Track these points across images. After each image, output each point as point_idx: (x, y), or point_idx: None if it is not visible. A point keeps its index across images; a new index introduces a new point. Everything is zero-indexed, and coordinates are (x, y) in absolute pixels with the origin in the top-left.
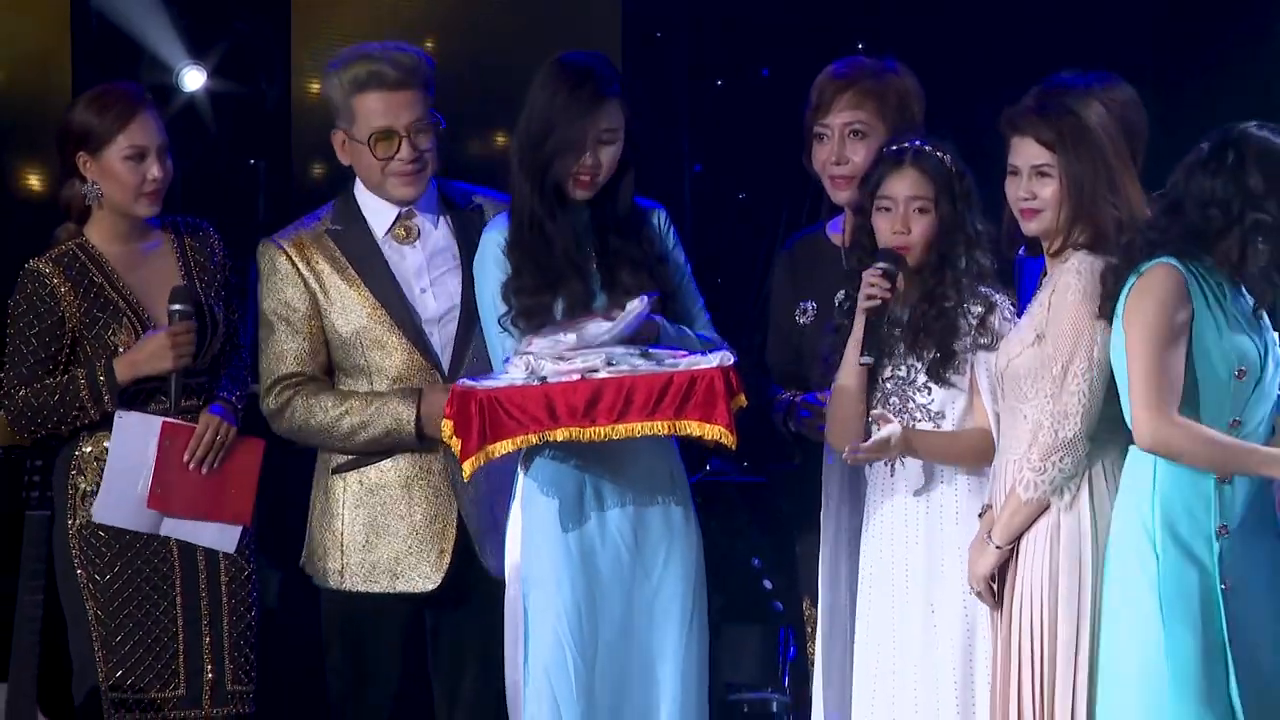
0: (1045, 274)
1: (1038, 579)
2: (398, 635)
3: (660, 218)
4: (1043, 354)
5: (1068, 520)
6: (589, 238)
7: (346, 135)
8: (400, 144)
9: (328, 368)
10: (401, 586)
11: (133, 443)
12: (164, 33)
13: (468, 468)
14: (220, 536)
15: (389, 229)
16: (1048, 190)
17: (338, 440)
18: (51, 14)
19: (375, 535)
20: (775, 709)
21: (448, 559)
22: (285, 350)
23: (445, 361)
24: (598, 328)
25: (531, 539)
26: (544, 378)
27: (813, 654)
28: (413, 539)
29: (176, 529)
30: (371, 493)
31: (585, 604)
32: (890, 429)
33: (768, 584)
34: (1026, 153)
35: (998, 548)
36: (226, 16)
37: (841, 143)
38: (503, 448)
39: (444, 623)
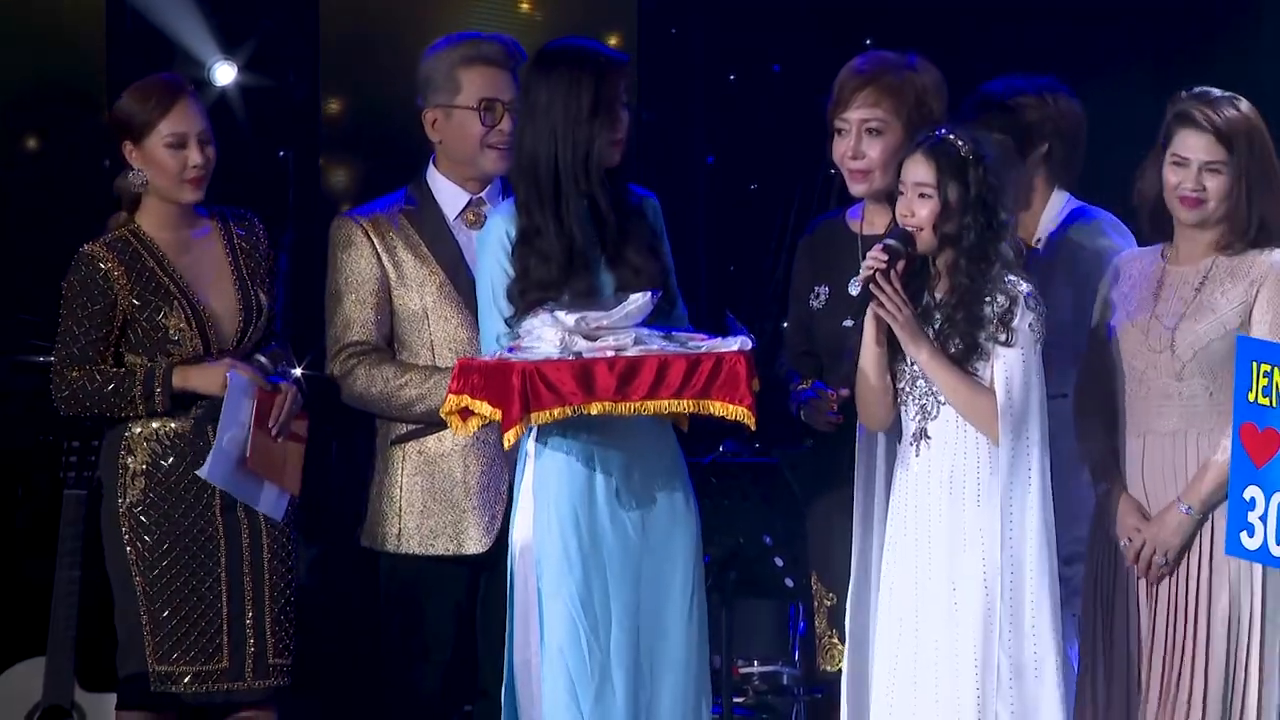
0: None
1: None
2: (451, 598)
3: (655, 206)
4: None
5: None
6: (598, 225)
7: (443, 109)
8: (503, 116)
9: (391, 340)
10: (455, 549)
11: (234, 402)
12: (196, 29)
13: (510, 436)
14: (275, 503)
15: (460, 212)
16: (1215, 184)
17: (396, 409)
18: (87, 11)
19: (433, 501)
20: (786, 681)
21: (499, 524)
22: (353, 319)
23: None
24: (599, 313)
25: (542, 520)
26: (579, 353)
27: (819, 627)
28: (468, 503)
29: (246, 492)
30: (431, 462)
31: (597, 583)
32: (922, 340)
33: (778, 561)
34: (1196, 146)
35: (1199, 518)
36: (256, 13)
37: (859, 138)
38: (541, 418)
39: (493, 586)
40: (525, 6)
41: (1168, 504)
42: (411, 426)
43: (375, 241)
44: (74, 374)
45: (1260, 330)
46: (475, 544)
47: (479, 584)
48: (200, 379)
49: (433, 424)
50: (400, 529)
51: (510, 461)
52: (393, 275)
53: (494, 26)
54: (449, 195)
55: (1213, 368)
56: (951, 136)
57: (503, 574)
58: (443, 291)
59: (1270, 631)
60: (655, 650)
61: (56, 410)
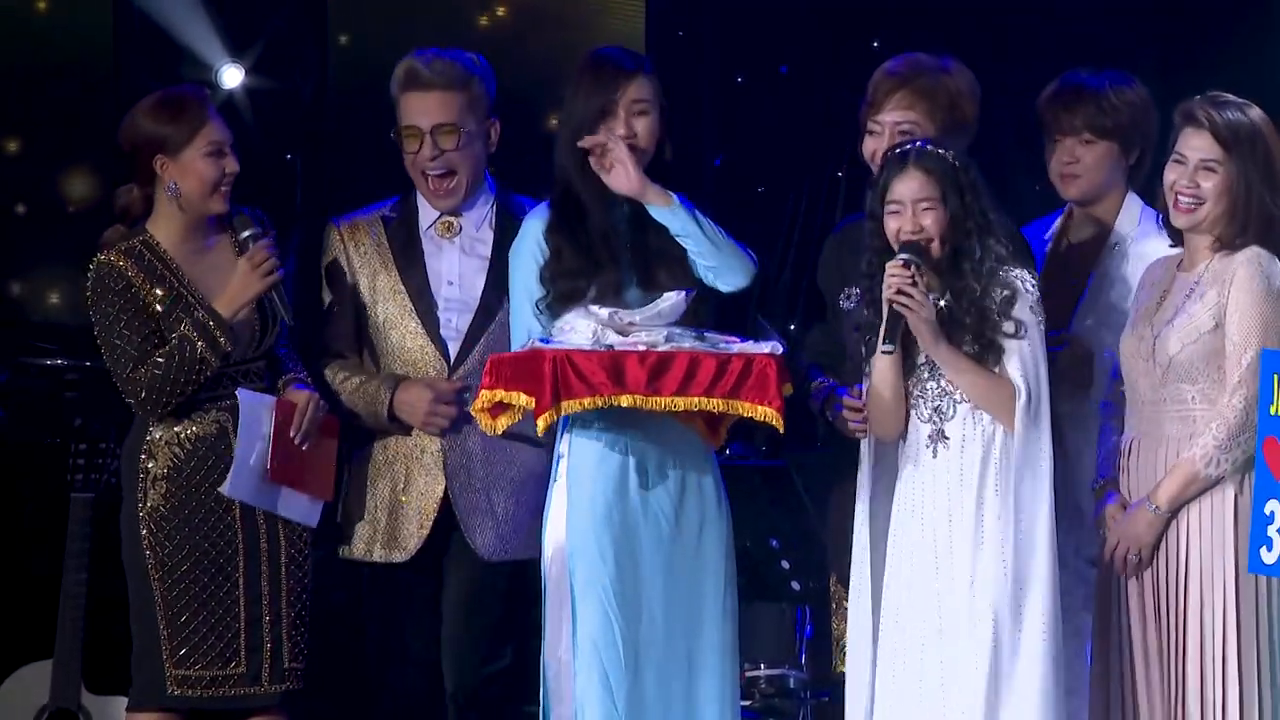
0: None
1: (1219, 558)
2: (402, 602)
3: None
4: (1218, 341)
5: (1241, 503)
6: (627, 231)
7: (396, 132)
8: (422, 143)
9: (354, 344)
10: (385, 556)
11: (251, 418)
12: (204, 32)
13: (541, 423)
14: (307, 511)
15: (433, 222)
16: (1210, 184)
17: (345, 414)
18: (95, 15)
19: (376, 508)
20: (792, 685)
21: (427, 530)
22: (323, 324)
23: (453, 351)
24: (631, 310)
25: (576, 517)
26: (610, 346)
27: (837, 630)
28: (400, 512)
29: (280, 503)
30: (378, 469)
31: (630, 578)
32: (940, 336)
33: (785, 564)
34: (1195, 144)
35: (1166, 516)
36: (264, 15)
37: (892, 140)
38: (572, 406)
39: (451, 591)
40: (531, 9)
41: (1138, 501)
42: (370, 431)
43: (348, 248)
44: (140, 374)
45: (1230, 331)
46: (402, 553)
47: (437, 589)
48: (239, 294)
49: (378, 430)
50: (351, 534)
51: (450, 472)
52: (362, 282)
53: (499, 30)
54: (426, 206)
55: (1191, 374)
56: (931, 147)
57: (458, 578)
58: (397, 300)
59: (1247, 631)
60: (692, 648)
61: (145, 418)
